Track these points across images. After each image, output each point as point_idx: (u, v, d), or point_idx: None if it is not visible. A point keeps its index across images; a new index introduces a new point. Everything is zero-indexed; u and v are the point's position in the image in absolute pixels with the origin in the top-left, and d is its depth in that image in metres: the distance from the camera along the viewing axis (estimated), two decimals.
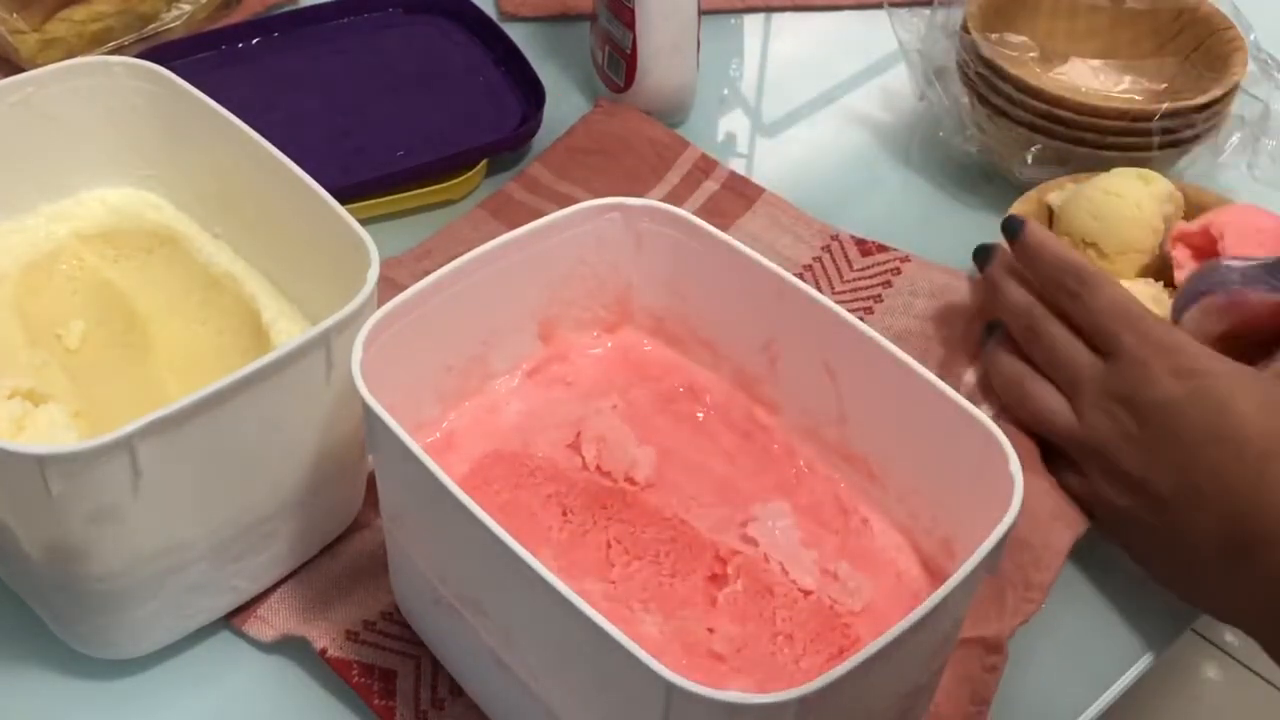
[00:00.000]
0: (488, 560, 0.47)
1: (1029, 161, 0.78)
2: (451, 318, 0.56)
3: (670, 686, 0.42)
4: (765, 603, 0.54)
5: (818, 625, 0.53)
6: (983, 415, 0.50)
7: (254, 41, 0.87)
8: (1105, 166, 0.74)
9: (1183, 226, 0.72)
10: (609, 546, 0.55)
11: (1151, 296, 0.70)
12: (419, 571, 0.54)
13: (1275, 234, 0.70)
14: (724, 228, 0.72)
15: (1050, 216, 0.74)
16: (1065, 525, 0.63)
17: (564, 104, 0.87)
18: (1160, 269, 0.72)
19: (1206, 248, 0.70)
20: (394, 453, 0.49)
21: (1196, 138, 0.78)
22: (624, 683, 0.44)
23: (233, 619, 0.60)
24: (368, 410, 0.49)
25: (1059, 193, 0.75)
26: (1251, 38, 0.81)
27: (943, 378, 0.65)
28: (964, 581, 0.45)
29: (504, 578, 0.47)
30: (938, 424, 0.52)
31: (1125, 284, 0.70)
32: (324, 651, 0.58)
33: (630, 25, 0.82)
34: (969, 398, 0.66)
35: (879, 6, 0.86)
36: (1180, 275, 0.70)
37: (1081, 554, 0.63)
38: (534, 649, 0.49)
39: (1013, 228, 0.68)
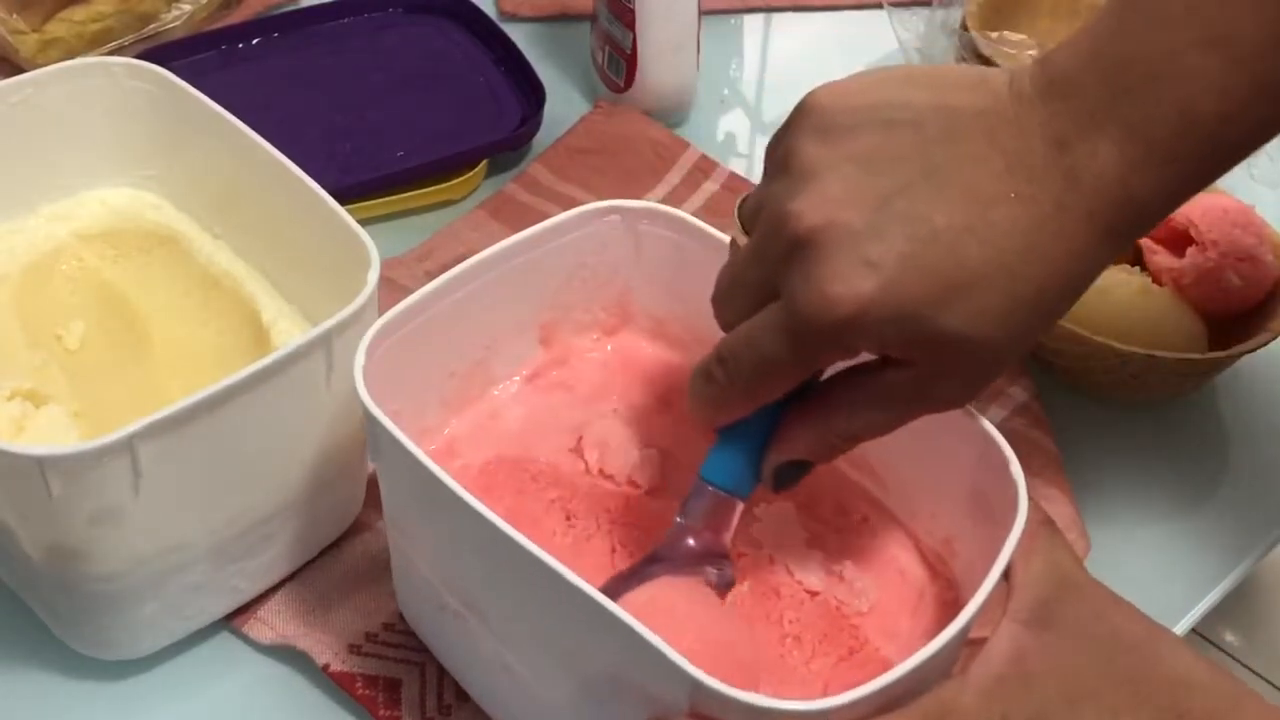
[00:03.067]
0: (499, 563, 0.47)
1: None
2: (454, 324, 0.56)
3: (696, 684, 0.42)
4: (772, 604, 0.54)
5: (825, 626, 0.53)
6: (983, 419, 0.50)
7: (254, 41, 0.87)
8: None
9: None
10: (614, 551, 0.55)
11: (1139, 286, 0.69)
12: (424, 578, 0.54)
13: (1241, 211, 0.70)
14: (724, 229, 0.72)
15: None
16: (1078, 536, 0.63)
17: (564, 104, 0.86)
18: (1135, 254, 0.72)
19: (1171, 239, 0.70)
20: (399, 461, 0.49)
21: None
22: (644, 682, 0.44)
23: (233, 620, 0.60)
24: (371, 419, 0.49)
25: None
26: None
27: None
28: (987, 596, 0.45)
29: (517, 580, 0.47)
30: (936, 425, 0.52)
31: (1107, 273, 0.70)
32: (327, 667, 0.58)
33: (630, 25, 0.82)
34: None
35: (879, 6, 0.86)
36: (1153, 260, 0.70)
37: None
38: (545, 652, 0.49)
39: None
